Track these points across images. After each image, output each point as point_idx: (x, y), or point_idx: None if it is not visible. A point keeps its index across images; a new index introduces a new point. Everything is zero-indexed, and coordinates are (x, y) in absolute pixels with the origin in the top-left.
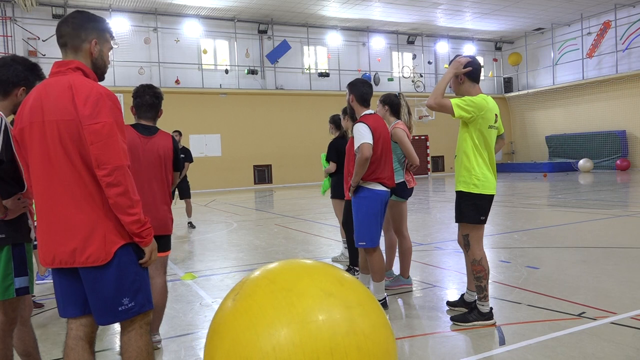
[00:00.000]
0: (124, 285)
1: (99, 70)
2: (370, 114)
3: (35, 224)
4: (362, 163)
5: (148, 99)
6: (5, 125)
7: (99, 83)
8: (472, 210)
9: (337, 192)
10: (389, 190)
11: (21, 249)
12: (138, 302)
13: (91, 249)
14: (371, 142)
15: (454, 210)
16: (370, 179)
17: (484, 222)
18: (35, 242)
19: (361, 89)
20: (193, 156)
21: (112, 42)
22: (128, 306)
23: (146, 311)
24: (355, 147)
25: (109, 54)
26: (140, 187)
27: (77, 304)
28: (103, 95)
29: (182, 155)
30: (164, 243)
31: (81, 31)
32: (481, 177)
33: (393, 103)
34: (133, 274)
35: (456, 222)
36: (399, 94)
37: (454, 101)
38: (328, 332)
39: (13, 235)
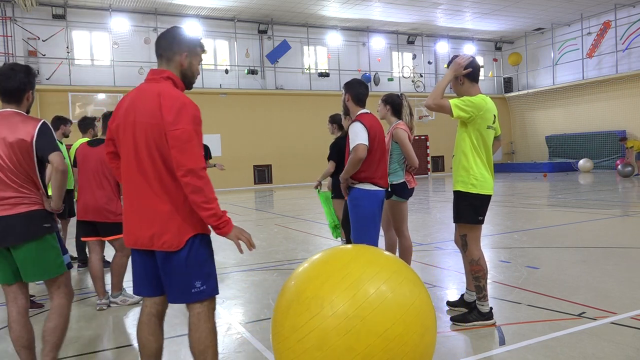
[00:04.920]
0: (194, 270)
1: (187, 79)
2: (366, 113)
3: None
4: (355, 163)
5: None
6: None
7: (184, 93)
8: (469, 210)
9: (337, 192)
10: (384, 189)
11: (58, 235)
12: (210, 286)
13: (167, 236)
14: (367, 143)
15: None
16: (365, 179)
17: (482, 222)
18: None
19: (357, 89)
20: None
21: (202, 54)
22: (200, 289)
23: (214, 296)
24: (351, 146)
25: (199, 65)
26: (88, 180)
27: (151, 285)
28: (186, 105)
29: None
30: (102, 229)
31: (175, 45)
32: (479, 177)
33: (395, 103)
34: (202, 260)
35: (454, 222)
36: (401, 94)
37: (453, 101)
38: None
39: (54, 225)
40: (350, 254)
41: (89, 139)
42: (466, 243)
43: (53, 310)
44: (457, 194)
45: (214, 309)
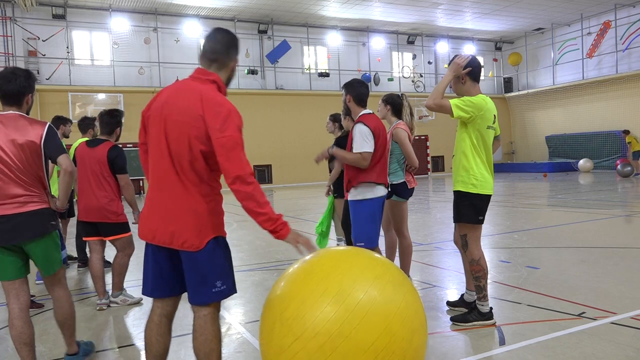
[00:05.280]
0: (215, 270)
1: (229, 82)
2: (369, 113)
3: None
4: (356, 164)
5: (105, 119)
6: None
7: (227, 99)
8: (470, 210)
9: (339, 192)
10: (385, 189)
11: (59, 231)
12: (228, 285)
13: (187, 235)
14: (372, 149)
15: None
16: (368, 179)
17: (482, 222)
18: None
19: (358, 89)
20: None
21: None
22: (221, 288)
23: (221, 299)
24: (355, 150)
25: None
26: (87, 180)
27: (166, 285)
28: (232, 112)
29: None
30: (103, 229)
31: (231, 51)
32: (479, 177)
33: (395, 103)
34: (223, 260)
35: (454, 222)
36: (402, 94)
37: (453, 102)
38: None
39: (58, 222)
40: (331, 262)
41: (88, 139)
42: (466, 243)
43: (63, 301)
44: (458, 194)
45: (219, 311)
